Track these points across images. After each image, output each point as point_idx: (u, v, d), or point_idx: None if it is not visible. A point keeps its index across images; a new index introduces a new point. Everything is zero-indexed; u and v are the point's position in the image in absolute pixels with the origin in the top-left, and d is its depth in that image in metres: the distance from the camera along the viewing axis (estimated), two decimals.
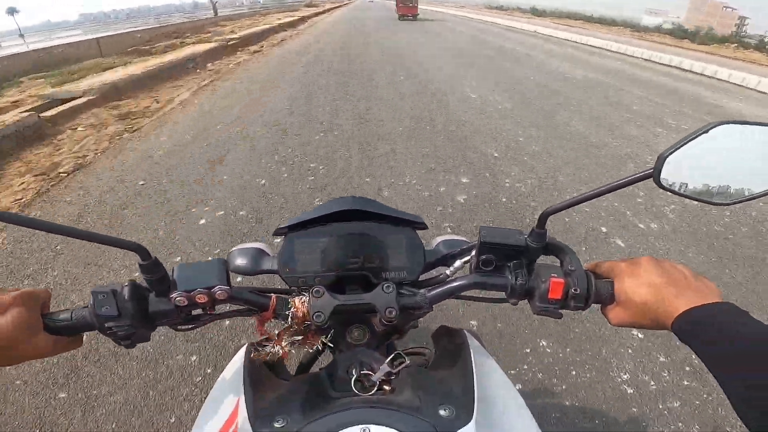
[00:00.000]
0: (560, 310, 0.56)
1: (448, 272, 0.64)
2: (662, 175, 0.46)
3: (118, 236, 0.48)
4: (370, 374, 0.56)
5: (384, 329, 0.63)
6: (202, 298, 0.54)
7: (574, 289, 0.54)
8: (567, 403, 1.68)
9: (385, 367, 0.56)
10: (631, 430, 1.60)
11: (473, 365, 0.58)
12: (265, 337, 0.61)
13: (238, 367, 0.61)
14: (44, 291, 0.54)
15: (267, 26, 16.05)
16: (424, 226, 0.66)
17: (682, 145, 0.45)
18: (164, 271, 0.53)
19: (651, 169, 0.46)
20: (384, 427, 0.46)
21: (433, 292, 0.60)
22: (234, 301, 0.57)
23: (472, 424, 0.47)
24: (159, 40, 13.55)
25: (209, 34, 13.93)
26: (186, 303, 0.53)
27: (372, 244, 0.63)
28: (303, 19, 21.75)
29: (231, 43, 11.44)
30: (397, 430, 0.46)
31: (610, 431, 1.58)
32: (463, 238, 0.72)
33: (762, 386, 0.39)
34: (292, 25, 18.96)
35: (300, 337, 0.60)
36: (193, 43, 11.72)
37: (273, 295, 0.59)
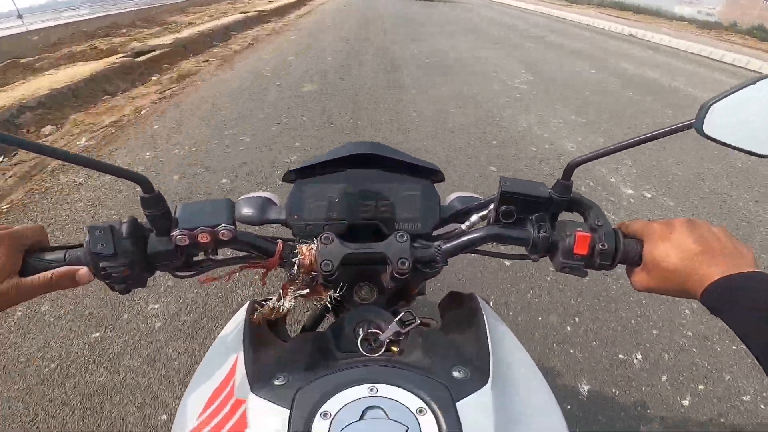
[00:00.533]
0: (585, 268, 0.53)
1: (463, 227, 0.60)
2: (705, 124, 0.44)
3: (123, 166, 0.45)
4: (377, 333, 0.54)
5: (394, 286, 0.60)
6: (204, 238, 0.50)
7: (602, 245, 0.51)
8: None
9: (394, 326, 0.53)
10: None
11: (487, 328, 0.55)
12: (265, 297, 0.59)
13: (238, 324, 0.58)
14: (35, 229, 0.49)
15: (241, 16, 10.47)
16: (441, 178, 0.63)
17: (726, 96, 0.43)
18: (167, 208, 0.49)
19: (693, 119, 0.44)
20: (393, 387, 0.43)
21: (449, 244, 0.57)
22: (238, 245, 0.54)
23: (488, 387, 0.44)
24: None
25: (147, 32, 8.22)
26: (187, 242, 0.50)
27: (385, 194, 0.60)
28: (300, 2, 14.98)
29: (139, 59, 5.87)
30: (406, 390, 0.43)
31: None
32: (479, 196, 0.68)
33: None
34: (279, 12, 12.33)
35: (306, 291, 0.57)
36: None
37: (279, 241, 0.56)
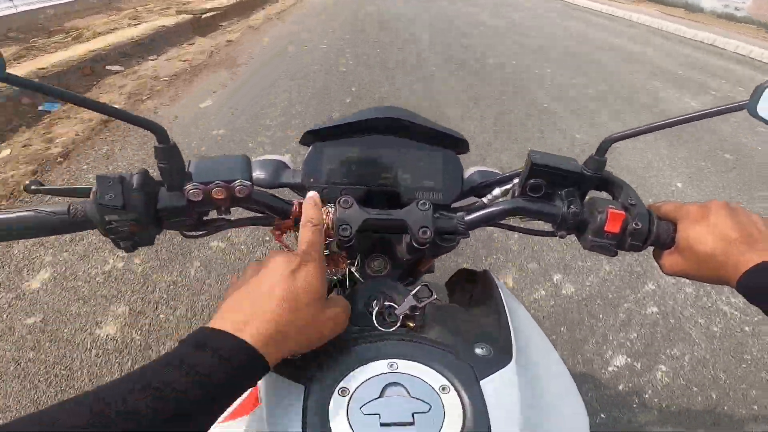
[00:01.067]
0: (615, 248, 0.52)
1: (485, 200, 0.59)
2: (759, 106, 0.44)
3: (139, 115, 0.43)
4: (393, 307, 0.52)
5: (408, 260, 0.59)
6: (219, 193, 0.48)
7: (635, 224, 0.49)
8: None
9: (410, 300, 0.51)
10: None
11: (506, 306, 0.53)
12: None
13: None
14: None
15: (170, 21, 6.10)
16: (466, 149, 0.60)
17: None
18: (181, 161, 0.47)
19: (747, 100, 0.43)
20: (415, 362, 0.42)
21: (472, 215, 0.55)
22: (253, 204, 0.52)
23: (512, 365, 0.43)
24: None
25: None
26: (201, 197, 0.47)
27: (407, 162, 0.58)
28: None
29: None
30: (429, 366, 0.42)
31: None
32: (498, 171, 0.67)
33: None
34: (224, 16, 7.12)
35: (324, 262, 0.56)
36: None
37: (296, 201, 0.54)
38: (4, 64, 0.37)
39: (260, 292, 0.38)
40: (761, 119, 0.44)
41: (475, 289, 0.64)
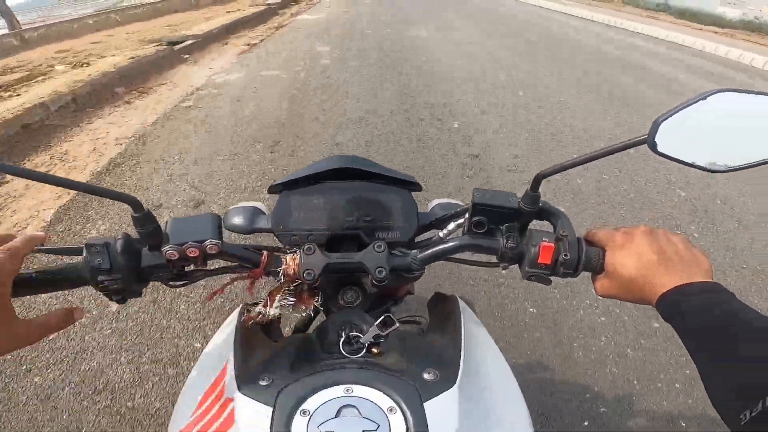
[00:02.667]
0: (550, 276, 0.56)
1: (441, 235, 0.64)
2: (658, 141, 0.45)
3: (113, 188, 0.49)
4: (359, 336, 0.57)
5: (376, 291, 0.64)
6: (193, 252, 0.53)
7: (564, 255, 0.53)
8: None
9: (374, 330, 0.57)
10: None
11: (462, 331, 0.58)
12: (256, 301, 0.62)
13: (230, 327, 0.62)
14: (31, 239, 0.48)
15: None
16: (418, 188, 0.66)
17: (677, 111, 0.44)
18: (157, 224, 0.53)
19: (646, 135, 0.45)
20: (367, 388, 0.47)
21: (424, 253, 0.61)
22: (225, 257, 0.58)
23: (454, 388, 0.48)
24: None
25: None
26: (177, 257, 0.53)
27: (366, 204, 0.64)
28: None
29: None
30: (379, 390, 0.47)
31: None
32: (460, 203, 0.72)
33: (726, 365, 0.39)
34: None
35: (293, 300, 0.61)
36: None
37: (264, 252, 0.60)
38: None
39: None
40: (661, 154, 0.46)
41: (443, 312, 0.69)
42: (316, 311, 0.64)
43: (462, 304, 0.67)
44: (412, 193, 0.67)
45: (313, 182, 0.65)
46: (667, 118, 0.45)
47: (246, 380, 0.50)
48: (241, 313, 0.64)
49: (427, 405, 0.45)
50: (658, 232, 0.52)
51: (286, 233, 0.64)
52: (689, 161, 0.47)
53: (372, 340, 0.57)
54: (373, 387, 0.47)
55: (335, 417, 0.44)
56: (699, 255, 0.50)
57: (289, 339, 0.67)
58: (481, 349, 0.57)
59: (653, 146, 0.46)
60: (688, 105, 0.44)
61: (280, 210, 0.64)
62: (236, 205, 0.72)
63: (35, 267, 0.53)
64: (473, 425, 0.46)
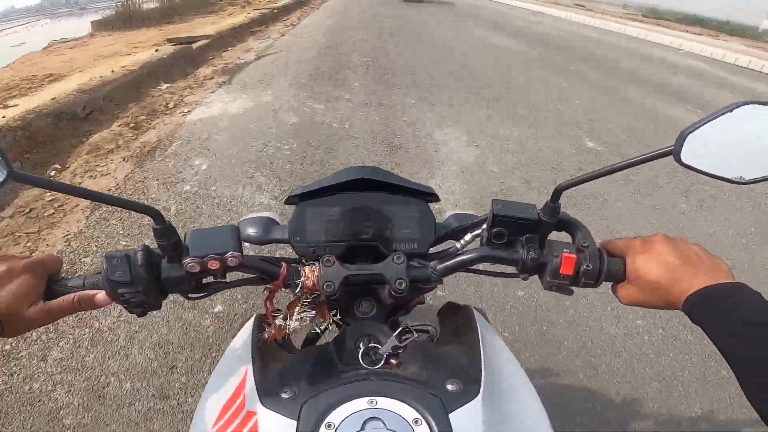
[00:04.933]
0: (571, 287, 0.56)
1: (458, 246, 0.63)
2: (683, 152, 0.45)
3: (136, 200, 0.48)
4: (377, 347, 0.57)
5: (392, 302, 0.64)
6: (214, 265, 0.53)
7: (586, 266, 0.54)
8: None
9: (392, 341, 0.56)
10: None
11: (481, 341, 0.58)
12: (271, 311, 0.61)
13: (246, 338, 0.61)
14: (55, 258, 0.53)
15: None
16: (436, 199, 0.66)
17: (704, 124, 0.44)
18: (177, 237, 0.53)
19: (672, 146, 0.45)
20: (391, 399, 0.46)
21: (443, 264, 0.60)
22: (245, 269, 0.57)
23: (479, 399, 0.47)
24: None
25: None
26: (198, 269, 0.53)
27: (383, 215, 0.63)
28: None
29: None
30: (404, 402, 0.46)
31: None
32: (475, 213, 0.71)
33: (764, 363, 0.39)
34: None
35: (313, 313, 0.60)
36: None
37: (284, 264, 0.59)
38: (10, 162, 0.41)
39: None
40: (686, 166, 0.47)
41: (459, 320, 0.69)
42: (331, 323, 0.63)
43: (477, 314, 0.67)
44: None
45: (329, 193, 0.63)
46: (693, 131, 0.45)
47: (267, 393, 0.49)
48: (255, 323, 0.63)
49: (452, 416, 0.45)
50: (676, 239, 0.53)
51: (303, 245, 0.63)
52: (714, 173, 0.47)
53: (391, 351, 0.56)
54: (397, 399, 0.47)
55: (361, 430, 0.44)
56: (718, 259, 0.51)
57: (306, 350, 0.66)
58: (499, 359, 0.57)
59: (678, 158, 0.46)
60: (714, 117, 0.44)
61: (296, 221, 0.63)
62: (249, 215, 0.71)
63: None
64: None
